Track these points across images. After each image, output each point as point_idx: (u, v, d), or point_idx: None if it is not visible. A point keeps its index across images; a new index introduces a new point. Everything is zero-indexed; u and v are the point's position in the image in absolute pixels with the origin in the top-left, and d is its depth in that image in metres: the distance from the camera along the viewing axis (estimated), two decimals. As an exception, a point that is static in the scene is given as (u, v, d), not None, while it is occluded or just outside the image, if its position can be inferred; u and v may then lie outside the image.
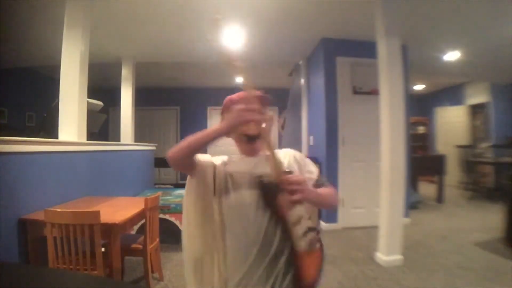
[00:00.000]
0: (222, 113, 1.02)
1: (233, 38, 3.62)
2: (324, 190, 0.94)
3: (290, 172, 0.88)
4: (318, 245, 0.86)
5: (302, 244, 0.81)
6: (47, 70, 4.78)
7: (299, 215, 0.82)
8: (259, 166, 0.91)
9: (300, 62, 4.62)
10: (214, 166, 0.94)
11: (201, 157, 0.94)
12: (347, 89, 3.64)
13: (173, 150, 0.84)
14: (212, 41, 0.83)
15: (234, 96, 0.99)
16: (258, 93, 0.93)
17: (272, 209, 0.85)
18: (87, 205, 1.95)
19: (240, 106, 0.79)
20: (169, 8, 2.91)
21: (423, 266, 2.41)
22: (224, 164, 0.97)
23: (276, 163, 0.80)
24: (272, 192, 0.82)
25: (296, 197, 0.76)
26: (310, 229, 0.84)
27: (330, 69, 3.62)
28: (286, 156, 1.00)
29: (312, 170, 1.01)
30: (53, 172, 1.96)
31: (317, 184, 0.96)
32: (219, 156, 1.02)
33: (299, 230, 0.82)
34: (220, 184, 0.91)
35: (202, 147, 0.84)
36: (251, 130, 0.91)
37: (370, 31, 2.69)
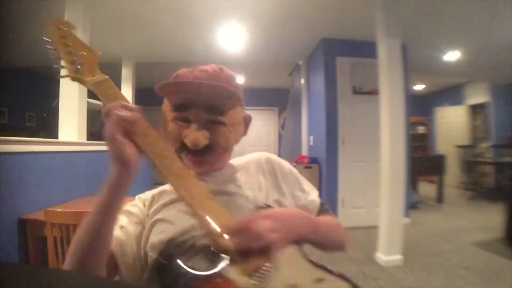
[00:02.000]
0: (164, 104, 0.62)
1: (233, 38, 3.63)
2: (329, 221, 0.63)
3: (266, 207, 0.55)
4: None
5: None
6: (47, 70, 4.78)
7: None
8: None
9: (300, 62, 4.62)
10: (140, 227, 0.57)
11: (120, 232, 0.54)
12: (347, 89, 3.63)
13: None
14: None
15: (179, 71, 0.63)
16: None
17: None
18: (87, 205, 1.95)
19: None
20: (169, 8, 2.90)
21: (423, 266, 2.41)
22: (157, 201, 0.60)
23: (217, 213, 0.45)
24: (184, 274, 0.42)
25: (273, 248, 0.41)
26: None
27: (330, 69, 3.61)
28: (252, 168, 0.64)
29: (309, 192, 0.66)
30: (53, 172, 1.96)
31: (319, 211, 0.66)
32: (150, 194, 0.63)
33: None
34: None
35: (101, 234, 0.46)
36: (191, 137, 0.54)
37: (370, 31, 2.68)
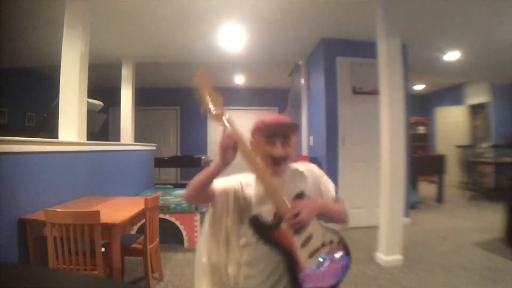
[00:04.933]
0: (252, 133, 1.04)
1: (233, 38, 3.63)
2: (337, 207, 1.04)
3: (301, 195, 0.96)
4: (337, 255, 0.93)
5: (308, 266, 0.87)
6: (47, 70, 4.78)
7: (307, 236, 0.90)
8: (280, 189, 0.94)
9: (300, 62, 4.62)
10: (235, 191, 0.99)
11: (219, 184, 0.98)
12: (347, 89, 3.63)
13: (187, 190, 0.93)
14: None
15: (266, 118, 1.02)
16: (284, 119, 1.02)
17: (271, 243, 0.91)
18: (87, 205, 1.95)
19: (227, 132, 0.87)
20: (169, 8, 2.90)
21: (423, 266, 2.41)
22: (245, 185, 1.00)
23: (279, 201, 0.89)
24: (267, 229, 0.91)
25: (296, 226, 0.87)
26: (324, 244, 0.93)
27: (330, 69, 3.61)
28: (303, 172, 1.05)
29: (329, 188, 1.08)
30: (53, 172, 1.95)
31: (333, 200, 1.06)
32: (241, 176, 1.03)
33: (305, 252, 0.89)
34: (240, 209, 0.98)
35: (210, 181, 0.92)
36: (276, 152, 0.96)
37: (370, 31, 2.68)
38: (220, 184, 0.98)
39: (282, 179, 0.99)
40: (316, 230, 0.92)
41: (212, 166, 0.90)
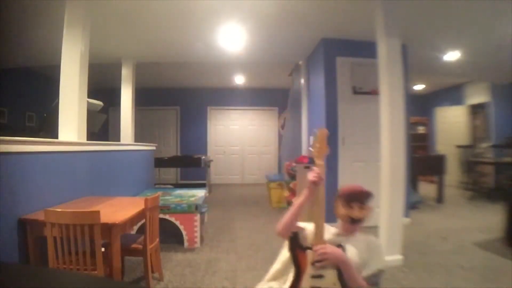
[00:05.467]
0: (335, 199, 1.24)
1: (233, 38, 3.63)
2: (358, 280, 1.10)
3: (340, 246, 1.11)
4: None
5: None
6: (47, 70, 4.79)
7: (320, 274, 1.05)
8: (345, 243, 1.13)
9: (300, 62, 4.62)
10: (310, 230, 1.17)
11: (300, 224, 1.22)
12: (347, 89, 3.63)
13: (280, 226, 1.17)
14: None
15: (347, 187, 1.25)
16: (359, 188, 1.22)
17: (293, 257, 1.11)
18: (87, 205, 1.95)
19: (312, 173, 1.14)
20: (169, 9, 2.91)
21: (423, 266, 2.41)
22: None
23: (320, 234, 1.09)
24: (296, 246, 1.12)
25: (317, 257, 1.05)
26: None
27: (330, 69, 3.61)
28: (361, 242, 1.19)
29: (370, 266, 1.16)
30: (53, 172, 1.95)
31: (366, 278, 1.12)
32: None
33: (309, 282, 1.04)
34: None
35: (300, 214, 1.18)
36: (353, 214, 1.17)
37: (370, 31, 2.68)
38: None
39: (348, 237, 1.19)
40: (330, 276, 1.06)
41: (300, 199, 1.17)
